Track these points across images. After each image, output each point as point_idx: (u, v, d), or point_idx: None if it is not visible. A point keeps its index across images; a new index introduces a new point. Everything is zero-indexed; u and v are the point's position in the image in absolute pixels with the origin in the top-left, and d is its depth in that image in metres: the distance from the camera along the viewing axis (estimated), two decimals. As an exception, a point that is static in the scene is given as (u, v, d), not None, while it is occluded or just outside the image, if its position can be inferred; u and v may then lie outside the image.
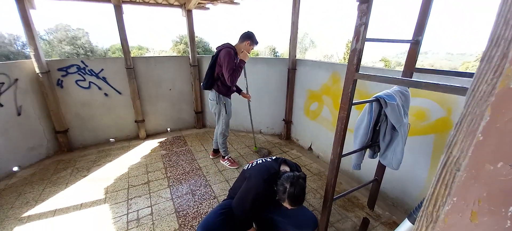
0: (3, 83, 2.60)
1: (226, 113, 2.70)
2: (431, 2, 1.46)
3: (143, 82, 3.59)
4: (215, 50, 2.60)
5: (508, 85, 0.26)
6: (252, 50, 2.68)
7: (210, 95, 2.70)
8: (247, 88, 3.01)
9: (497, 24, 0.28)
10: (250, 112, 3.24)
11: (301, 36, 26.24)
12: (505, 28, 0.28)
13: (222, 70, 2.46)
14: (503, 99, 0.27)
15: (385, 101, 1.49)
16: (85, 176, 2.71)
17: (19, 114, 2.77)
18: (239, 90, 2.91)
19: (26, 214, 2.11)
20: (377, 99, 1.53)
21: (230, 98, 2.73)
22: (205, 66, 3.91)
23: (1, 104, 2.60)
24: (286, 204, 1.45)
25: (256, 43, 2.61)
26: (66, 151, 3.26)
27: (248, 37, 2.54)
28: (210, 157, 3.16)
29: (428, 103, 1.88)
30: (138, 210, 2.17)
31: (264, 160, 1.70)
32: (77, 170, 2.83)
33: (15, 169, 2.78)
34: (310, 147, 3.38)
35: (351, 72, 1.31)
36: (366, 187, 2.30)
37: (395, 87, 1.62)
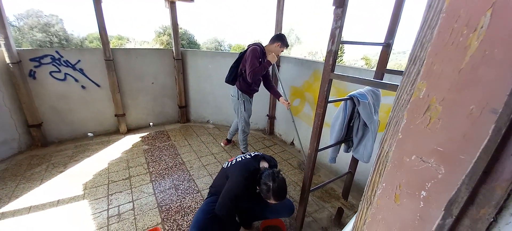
0: None
1: (244, 110, 2.73)
2: (401, 9, 1.58)
3: (123, 75, 3.49)
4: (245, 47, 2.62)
5: (418, 96, 0.34)
6: (282, 52, 2.65)
7: (231, 92, 2.78)
8: (284, 94, 2.72)
9: (415, 47, 0.36)
10: (293, 123, 2.77)
11: (287, 32, 26.46)
12: (420, 50, 0.35)
13: (245, 66, 2.50)
14: (415, 106, 0.34)
15: (358, 99, 1.61)
16: (61, 171, 2.63)
17: (-14, 107, 2.61)
18: (278, 95, 2.72)
19: (-3, 212, 2.02)
20: (351, 98, 1.64)
21: (250, 97, 2.78)
22: (190, 60, 3.90)
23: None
24: (271, 201, 1.51)
25: (287, 46, 2.59)
26: (41, 146, 3.11)
27: (279, 39, 2.53)
28: (222, 144, 3.37)
29: (398, 101, 2.02)
30: (119, 206, 2.16)
31: (243, 158, 1.76)
32: (53, 166, 2.73)
33: (-16, 164, 2.63)
34: (292, 142, 3.50)
35: (327, 72, 1.39)
36: (341, 179, 2.45)
37: (367, 87, 1.74)
